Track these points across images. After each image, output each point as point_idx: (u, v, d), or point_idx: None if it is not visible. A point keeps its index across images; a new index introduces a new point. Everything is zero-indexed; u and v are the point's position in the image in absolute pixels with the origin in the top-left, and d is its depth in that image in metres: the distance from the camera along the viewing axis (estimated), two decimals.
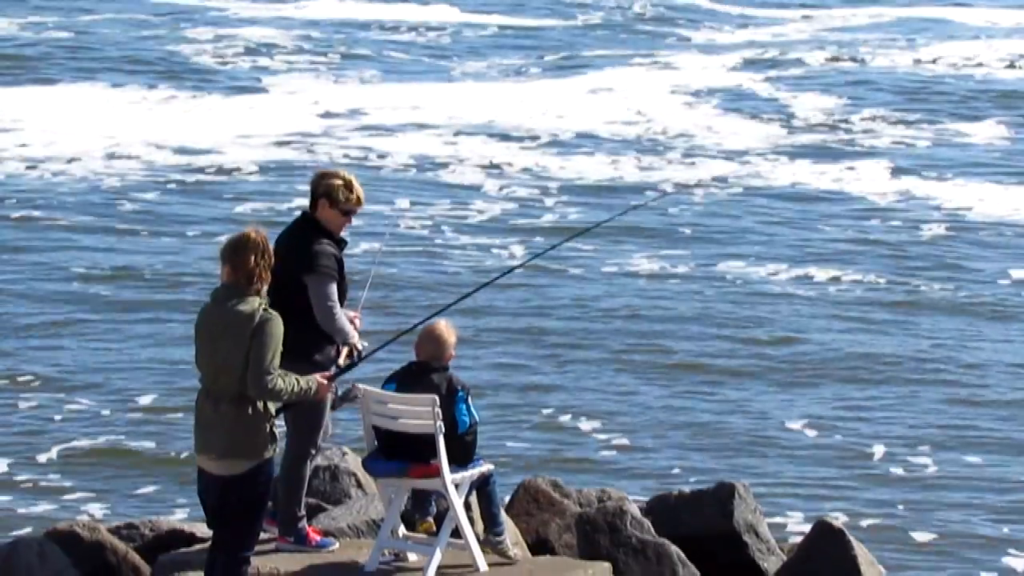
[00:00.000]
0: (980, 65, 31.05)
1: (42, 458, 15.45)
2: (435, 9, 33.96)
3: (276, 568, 10.11)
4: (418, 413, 10.01)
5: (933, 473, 14.79)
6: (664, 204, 21.84)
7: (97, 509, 14.35)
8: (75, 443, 15.63)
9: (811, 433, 15.64)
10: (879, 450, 15.36)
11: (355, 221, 10.49)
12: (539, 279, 19.44)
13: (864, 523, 13.62)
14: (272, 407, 9.12)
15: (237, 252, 9.14)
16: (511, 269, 13.46)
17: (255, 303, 9.15)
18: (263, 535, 10.30)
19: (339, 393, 9.95)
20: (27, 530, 13.10)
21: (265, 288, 9.17)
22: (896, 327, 18.64)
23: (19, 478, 15.02)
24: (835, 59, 30.82)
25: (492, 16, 33.63)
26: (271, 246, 9.19)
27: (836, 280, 19.81)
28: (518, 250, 20.62)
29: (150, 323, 17.84)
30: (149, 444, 15.60)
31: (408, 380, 10.17)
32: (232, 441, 9.09)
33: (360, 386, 10.06)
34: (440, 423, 9.97)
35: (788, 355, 17.69)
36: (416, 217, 21.60)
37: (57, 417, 16.18)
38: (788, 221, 22.00)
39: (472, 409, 10.20)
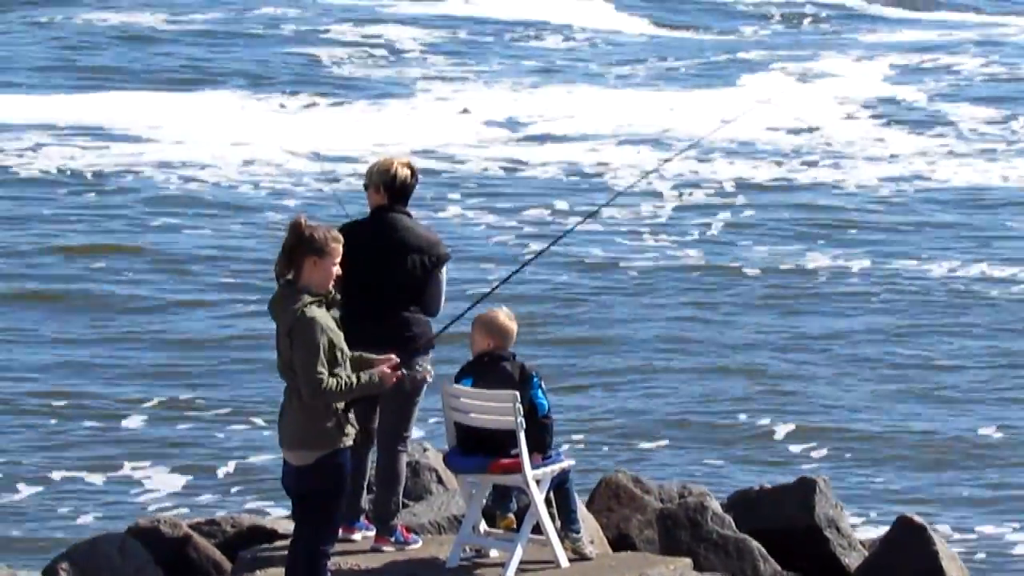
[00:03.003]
0: None
1: (123, 454, 15.57)
2: (591, 7, 33.41)
3: (357, 564, 10.20)
4: (499, 409, 9.98)
5: None
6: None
7: (178, 505, 14.38)
8: (156, 438, 15.81)
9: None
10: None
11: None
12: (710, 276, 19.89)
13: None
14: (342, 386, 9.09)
15: (288, 244, 9.16)
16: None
17: (300, 301, 9.09)
18: (358, 537, 10.41)
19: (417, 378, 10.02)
20: (117, 524, 12.99)
21: (319, 285, 9.13)
22: None
23: (98, 474, 15.16)
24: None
25: (644, 18, 33.29)
26: (333, 243, 9.15)
27: None
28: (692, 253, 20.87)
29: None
30: (231, 440, 15.76)
31: (482, 373, 10.09)
32: (300, 432, 9.16)
33: (430, 369, 10.09)
34: (521, 419, 9.94)
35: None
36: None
37: (138, 415, 16.29)
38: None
39: (546, 395, 10.20)
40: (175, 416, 16.24)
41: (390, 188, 10.41)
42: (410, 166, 10.56)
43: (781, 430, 16.05)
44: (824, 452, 15.57)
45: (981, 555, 13.80)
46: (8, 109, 26.43)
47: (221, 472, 15.18)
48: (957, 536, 13.83)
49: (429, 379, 10.28)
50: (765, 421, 16.28)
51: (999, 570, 13.47)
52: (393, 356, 9.21)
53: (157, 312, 19.04)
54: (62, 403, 16.46)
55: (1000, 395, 17.09)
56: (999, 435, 16.11)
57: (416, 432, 11.03)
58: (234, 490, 14.80)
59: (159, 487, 15.00)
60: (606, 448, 15.44)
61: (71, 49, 30.45)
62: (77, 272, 19.93)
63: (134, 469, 15.25)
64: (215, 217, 21.80)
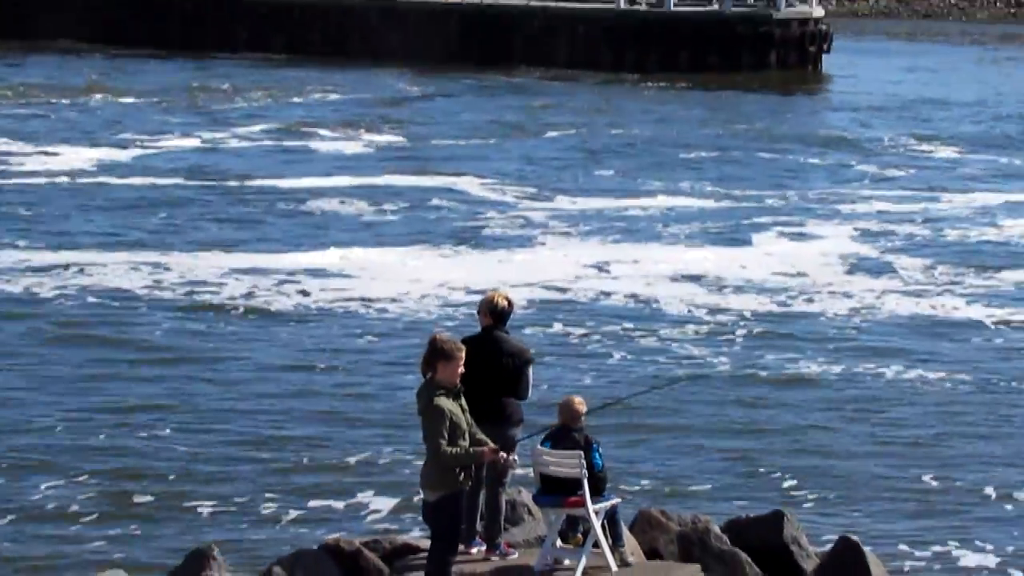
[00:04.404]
0: None
1: (307, 482, 15.51)
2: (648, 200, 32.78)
3: (474, 570, 10.14)
4: (569, 464, 10.02)
5: None
6: None
7: (350, 527, 14.22)
8: (335, 467, 15.82)
9: None
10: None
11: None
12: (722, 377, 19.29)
13: None
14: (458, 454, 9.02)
15: (427, 352, 9.15)
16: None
17: (431, 392, 9.06)
18: (474, 552, 10.31)
19: (512, 457, 9.98)
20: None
21: (448, 381, 9.04)
22: None
23: (289, 500, 15.06)
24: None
25: (689, 196, 32.76)
26: (457, 351, 9.11)
27: None
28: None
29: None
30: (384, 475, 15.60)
31: (558, 438, 10.18)
32: (430, 478, 9.14)
33: (513, 456, 10.06)
34: (584, 471, 9.90)
35: None
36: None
37: (317, 446, 16.36)
38: None
39: (602, 456, 10.15)
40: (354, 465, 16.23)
41: (493, 313, 10.42)
42: (507, 298, 10.58)
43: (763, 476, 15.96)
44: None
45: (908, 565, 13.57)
46: (268, 262, 26.32)
47: (381, 503, 15.09)
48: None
49: (513, 469, 10.25)
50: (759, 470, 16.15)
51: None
52: (494, 448, 9.38)
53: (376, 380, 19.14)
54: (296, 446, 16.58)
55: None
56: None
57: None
58: (390, 517, 14.70)
59: (339, 513, 14.94)
60: (642, 487, 15.37)
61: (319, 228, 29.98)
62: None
63: (319, 499, 15.20)
64: (401, 335, 21.64)
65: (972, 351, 21.35)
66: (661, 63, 52.72)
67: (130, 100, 46.69)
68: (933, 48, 63.27)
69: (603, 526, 10.03)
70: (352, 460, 16.31)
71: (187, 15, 59.43)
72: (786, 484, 15.80)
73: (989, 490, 15.79)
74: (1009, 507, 15.38)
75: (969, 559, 13.95)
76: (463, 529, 9.55)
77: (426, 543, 10.47)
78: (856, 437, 17.53)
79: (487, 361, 9.95)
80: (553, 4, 56.83)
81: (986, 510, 15.34)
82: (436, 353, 8.98)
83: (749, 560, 10.39)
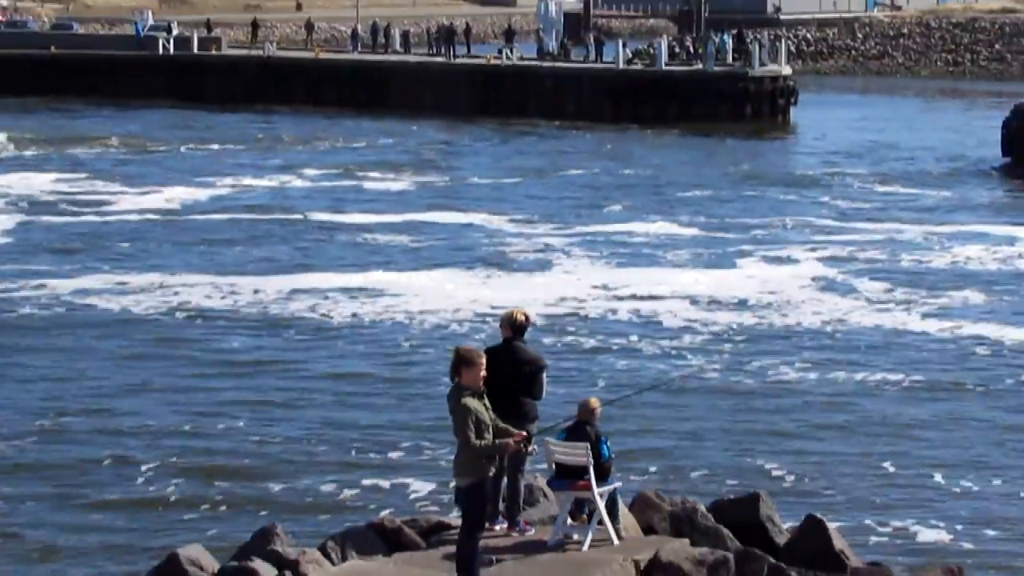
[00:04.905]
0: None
1: (357, 470, 15.48)
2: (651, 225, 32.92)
3: (497, 544, 10.08)
4: (578, 454, 9.94)
5: None
6: None
7: (393, 506, 14.26)
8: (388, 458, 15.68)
9: None
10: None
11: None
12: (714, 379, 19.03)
13: None
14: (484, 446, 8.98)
15: (453, 360, 9.13)
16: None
17: (459, 394, 9.05)
18: (498, 528, 10.26)
19: (527, 447, 9.94)
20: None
21: (472, 384, 9.01)
22: None
23: (342, 485, 15.02)
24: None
25: (682, 226, 32.70)
26: (479, 358, 9.09)
27: None
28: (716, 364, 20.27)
29: None
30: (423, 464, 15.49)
31: (572, 432, 10.12)
32: (460, 466, 9.10)
33: (533, 446, 10.00)
34: (591, 460, 9.84)
35: None
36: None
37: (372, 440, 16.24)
38: None
39: (609, 447, 10.08)
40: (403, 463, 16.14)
41: (512, 327, 10.36)
42: (525, 314, 10.54)
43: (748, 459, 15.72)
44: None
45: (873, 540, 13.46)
46: (327, 282, 26.31)
47: (420, 488, 15.06)
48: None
49: (531, 456, 10.22)
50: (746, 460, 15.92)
51: (875, 549, 13.07)
52: (519, 435, 9.24)
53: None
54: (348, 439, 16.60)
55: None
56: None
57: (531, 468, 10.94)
58: (427, 499, 14.66)
59: (384, 496, 14.93)
60: (641, 472, 15.33)
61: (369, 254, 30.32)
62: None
63: (367, 484, 15.16)
64: (437, 344, 21.60)
65: (924, 357, 21.20)
66: (654, 114, 52.98)
67: (212, 148, 46.84)
68: (884, 101, 63.39)
69: (606, 506, 10.01)
70: (395, 451, 16.30)
71: (251, 77, 61.12)
72: (765, 469, 15.74)
73: (939, 475, 15.70)
74: (957, 490, 15.28)
75: (925, 535, 13.88)
76: (488, 510, 9.54)
77: (457, 522, 10.38)
78: (827, 430, 17.45)
79: (507, 367, 9.89)
80: (562, 65, 57.63)
81: (938, 492, 15.25)
82: (460, 361, 9.00)
83: (730, 535, 10.31)
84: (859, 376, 20.02)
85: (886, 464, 16.07)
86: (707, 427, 17.46)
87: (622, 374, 19.80)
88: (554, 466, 10.05)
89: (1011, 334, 22.32)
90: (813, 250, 29.48)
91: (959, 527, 14.08)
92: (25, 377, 19.58)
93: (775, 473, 15.67)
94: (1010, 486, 15.48)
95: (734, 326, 22.90)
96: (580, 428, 10.00)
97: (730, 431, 17.27)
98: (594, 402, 10.19)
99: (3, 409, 18.02)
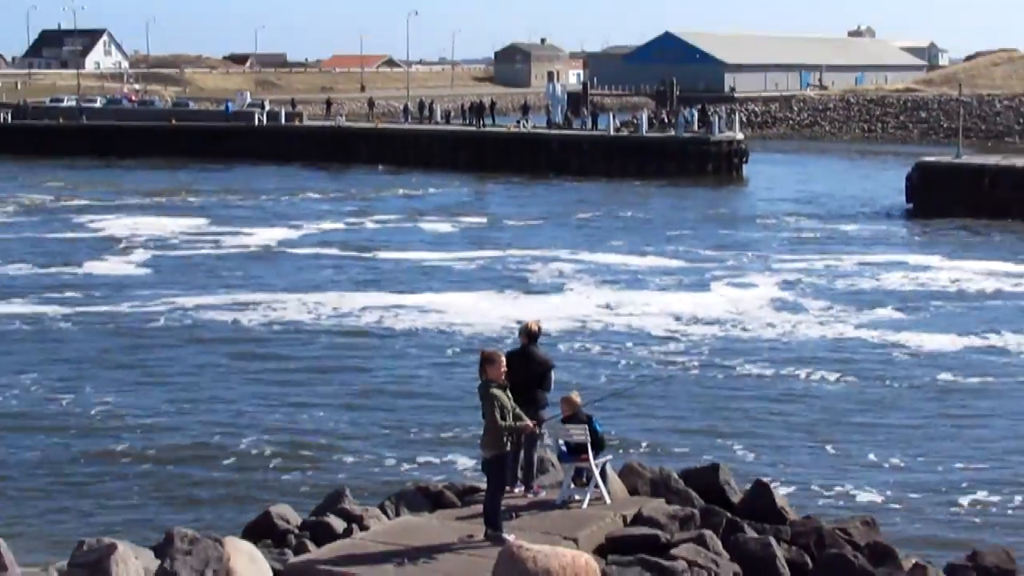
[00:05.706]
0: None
1: (410, 446, 15.31)
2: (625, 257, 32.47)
3: (516, 503, 9.94)
4: (579, 433, 9.85)
5: None
6: None
7: (437, 472, 14.19)
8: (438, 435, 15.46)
9: None
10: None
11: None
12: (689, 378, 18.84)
13: None
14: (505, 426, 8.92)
15: (480, 360, 9.09)
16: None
17: (486, 386, 9.03)
18: (516, 491, 10.17)
19: (540, 429, 9.85)
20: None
21: (495, 378, 8.96)
22: None
23: (398, 456, 14.92)
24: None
25: (662, 257, 32.46)
26: (499, 358, 9.04)
27: None
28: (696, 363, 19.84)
29: None
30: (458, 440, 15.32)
31: (570, 419, 10.01)
32: (485, 441, 9.05)
33: (543, 429, 9.89)
34: (588, 438, 9.76)
35: None
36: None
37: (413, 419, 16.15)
38: None
39: (600, 424, 9.98)
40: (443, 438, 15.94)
41: (528, 335, 10.30)
42: (538, 324, 10.47)
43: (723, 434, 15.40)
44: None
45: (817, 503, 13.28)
46: (390, 300, 26.33)
47: (457, 459, 14.93)
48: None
49: (541, 436, 10.12)
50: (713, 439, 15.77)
51: (811, 508, 12.89)
52: (530, 423, 9.12)
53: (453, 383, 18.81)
54: (405, 422, 16.35)
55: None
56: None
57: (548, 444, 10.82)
58: (463, 468, 14.51)
59: (430, 465, 14.81)
60: (631, 446, 15.11)
61: (423, 279, 30.06)
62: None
63: (417, 455, 15.02)
64: (473, 349, 21.45)
65: (858, 359, 20.95)
66: (638, 170, 54.22)
67: (297, 198, 47.26)
68: (816, 159, 64.38)
69: (600, 474, 9.98)
70: (438, 431, 16.29)
71: (326, 142, 64.03)
72: (727, 445, 15.61)
73: (871, 452, 15.54)
74: (886, 465, 15.11)
75: (862, 496, 13.69)
76: (507, 476, 9.53)
77: (484, 486, 10.49)
78: (779, 415, 17.29)
79: (523, 367, 9.80)
80: (566, 132, 59.77)
81: (870, 464, 15.09)
82: (484, 360, 9.04)
83: (697, 496, 10.23)
84: (805, 374, 19.85)
85: (826, 444, 15.90)
86: (684, 414, 17.35)
87: (619, 373, 19.69)
88: (563, 445, 10.02)
89: (926, 340, 22.18)
90: (769, 276, 29.34)
91: (889, 493, 13.94)
92: (162, 373, 19.78)
93: (734, 448, 15.56)
94: (927, 459, 15.30)
95: (708, 337, 22.76)
96: (575, 416, 9.96)
97: (701, 417, 17.15)
98: (574, 395, 10.14)
99: (145, 397, 18.24)
